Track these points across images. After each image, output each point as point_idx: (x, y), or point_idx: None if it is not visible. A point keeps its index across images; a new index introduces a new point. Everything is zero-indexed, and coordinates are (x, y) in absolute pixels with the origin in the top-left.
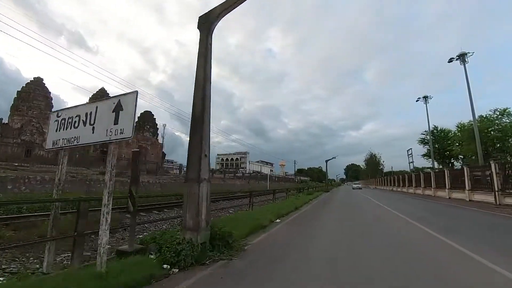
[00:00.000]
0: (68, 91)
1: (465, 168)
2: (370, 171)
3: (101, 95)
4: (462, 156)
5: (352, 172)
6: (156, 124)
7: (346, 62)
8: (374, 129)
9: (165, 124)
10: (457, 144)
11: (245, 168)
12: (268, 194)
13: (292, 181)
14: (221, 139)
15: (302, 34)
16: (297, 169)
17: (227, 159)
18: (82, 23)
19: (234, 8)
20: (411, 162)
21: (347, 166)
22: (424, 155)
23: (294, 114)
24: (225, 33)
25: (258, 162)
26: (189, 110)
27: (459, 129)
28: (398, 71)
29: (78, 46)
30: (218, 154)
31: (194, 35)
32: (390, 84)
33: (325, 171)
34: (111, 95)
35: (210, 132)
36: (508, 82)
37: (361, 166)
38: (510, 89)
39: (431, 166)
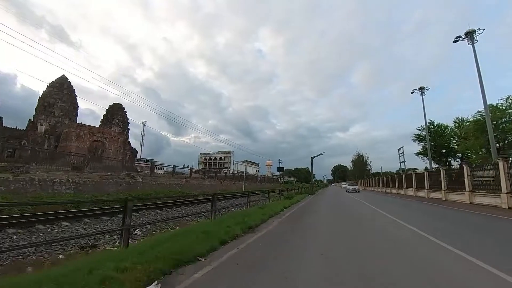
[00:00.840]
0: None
1: (465, 167)
2: (357, 172)
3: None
4: (460, 154)
5: (339, 173)
6: (127, 119)
7: (333, 65)
8: (361, 131)
9: (145, 122)
10: (454, 141)
11: (229, 168)
12: (244, 197)
13: (277, 181)
14: (209, 139)
15: (292, 35)
16: (284, 169)
17: (210, 159)
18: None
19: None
20: (402, 162)
21: (334, 167)
22: (418, 153)
23: (282, 115)
24: (214, 30)
25: (243, 162)
26: (176, 109)
27: (457, 125)
28: (383, 74)
29: (60, 40)
30: (200, 154)
31: (183, 33)
32: (375, 87)
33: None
34: (92, 92)
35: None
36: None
37: (348, 167)
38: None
39: (428, 165)
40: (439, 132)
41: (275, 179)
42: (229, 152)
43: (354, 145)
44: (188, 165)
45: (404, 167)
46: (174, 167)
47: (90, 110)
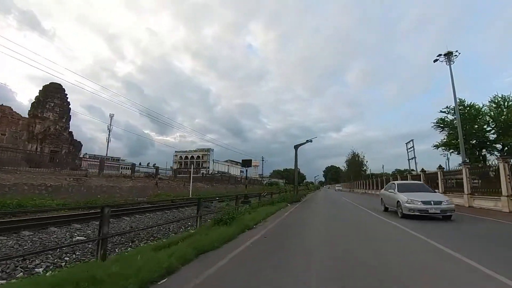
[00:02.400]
0: (21, 79)
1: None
2: (352, 173)
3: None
4: (500, 145)
5: (332, 174)
6: (68, 103)
7: (327, 63)
8: (354, 131)
9: (113, 114)
10: (489, 128)
11: (208, 167)
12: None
13: (258, 183)
14: (195, 139)
15: (284, 30)
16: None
17: (186, 157)
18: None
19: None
20: (412, 159)
21: (327, 168)
22: (439, 146)
23: (274, 114)
24: (201, 23)
25: (226, 161)
26: (161, 106)
27: (495, 106)
28: (378, 73)
29: (30, 28)
30: (176, 151)
31: (169, 25)
32: (370, 86)
33: (302, 173)
34: (67, 87)
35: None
36: (481, 86)
37: (342, 168)
38: (482, 95)
39: (462, 158)
40: (472, 115)
41: (258, 180)
42: (208, 150)
43: (347, 146)
44: (155, 164)
45: (415, 166)
46: (133, 165)
47: None
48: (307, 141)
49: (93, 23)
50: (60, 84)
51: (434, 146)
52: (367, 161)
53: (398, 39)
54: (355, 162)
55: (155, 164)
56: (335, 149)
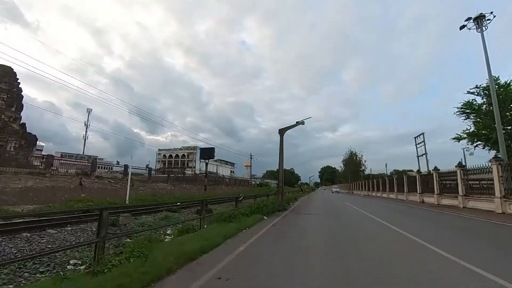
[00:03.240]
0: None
1: None
2: (349, 173)
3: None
4: None
5: (328, 175)
6: (19, 90)
7: (324, 61)
8: (351, 131)
9: (91, 109)
10: None
11: (194, 167)
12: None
13: (246, 184)
14: (187, 138)
15: (280, 26)
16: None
17: (170, 156)
18: None
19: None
20: (423, 156)
21: (322, 169)
22: (467, 136)
23: (268, 113)
24: (194, 17)
25: (216, 161)
26: (151, 104)
27: None
28: (376, 72)
29: (12, 20)
30: (159, 150)
31: (159, 18)
32: (367, 86)
33: (297, 173)
34: (51, 83)
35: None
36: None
37: (338, 168)
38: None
39: (502, 152)
40: (510, 97)
41: (245, 181)
42: (194, 148)
43: (344, 146)
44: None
45: (426, 164)
46: (49, 157)
47: (50, 102)
48: (297, 123)
49: (79, 15)
50: (11, 68)
51: (454, 138)
52: (365, 161)
53: (396, 38)
54: (353, 161)
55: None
56: (331, 149)
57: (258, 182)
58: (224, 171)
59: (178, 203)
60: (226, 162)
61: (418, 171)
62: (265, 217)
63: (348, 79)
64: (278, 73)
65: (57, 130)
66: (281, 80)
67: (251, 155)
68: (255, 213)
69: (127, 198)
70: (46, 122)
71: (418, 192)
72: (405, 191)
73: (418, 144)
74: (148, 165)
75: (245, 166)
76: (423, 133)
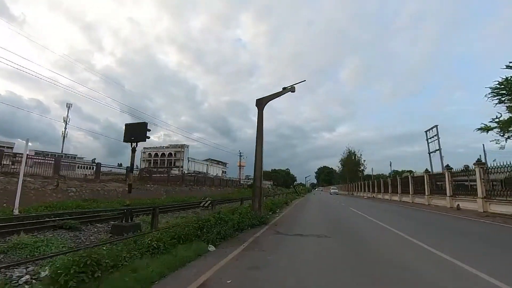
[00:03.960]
0: None
1: None
2: (347, 173)
3: None
4: None
5: (325, 176)
6: None
7: (320, 59)
8: (348, 131)
9: (70, 104)
10: None
11: (181, 166)
12: None
13: (233, 185)
14: (181, 138)
15: (276, 23)
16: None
17: (156, 155)
18: None
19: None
20: (435, 152)
21: (319, 169)
22: (500, 126)
23: (264, 112)
24: (188, 13)
25: (206, 160)
26: (144, 103)
27: None
28: (373, 71)
29: None
30: (144, 148)
31: (151, 13)
32: (364, 84)
33: (293, 174)
34: (38, 80)
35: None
36: (473, 87)
37: (337, 167)
38: (474, 95)
39: None
40: None
41: (233, 182)
42: (182, 146)
43: (341, 146)
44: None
45: (441, 162)
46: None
47: (37, 100)
48: (285, 89)
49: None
50: None
51: (480, 129)
52: (364, 160)
53: (393, 36)
54: (351, 161)
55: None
56: (328, 149)
57: (249, 183)
58: (215, 171)
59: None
60: (218, 162)
61: (426, 171)
62: (211, 248)
63: (344, 77)
64: (273, 71)
65: (45, 129)
66: (276, 78)
67: (240, 152)
68: (195, 238)
69: (17, 204)
70: (35, 121)
71: (448, 194)
72: (426, 193)
73: (430, 138)
74: (94, 159)
75: (238, 166)
76: (436, 126)
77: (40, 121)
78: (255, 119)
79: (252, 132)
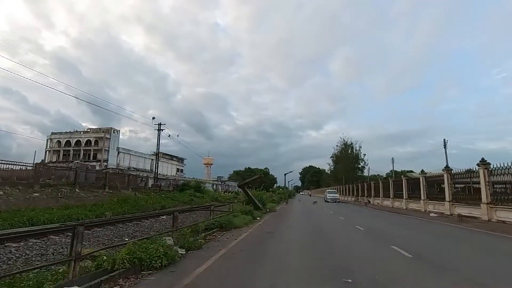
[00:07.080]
0: None
1: None
2: (342, 172)
3: None
4: None
5: (310, 177)
6: None
7: (309, 48)
8: (336, 130)
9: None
10: None
11: (105, 159)
12: None
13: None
14: (149, 135)
15: (261, 5)
16: (233, 171)
17: (68, 143)
18: None
19: None
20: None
21: (304, 169)
22: None
23: (245, 107)
24: None
25: (153, 154)
26: (104, 93)
27: None
28: (365, 63)
29: None
30: (52, 133)
31: None
32: (355, 79)
33: (272, 175)
34: None
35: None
36: (468, 85)
37: (328, 165)
38: (470, 92)
39: None
40: None
41: (177, 186)
42: (106, 131)
43: (328, 146)
44: None
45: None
46: None
47: None
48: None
49: None
50: None
51: None
52: (364, 155)
53: (389, 25)
54: (347, 156)
55: None
56: (314, 149)
57: (182, 182)
58: (168, 168)
59: None
60: (171, 157)
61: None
62: None
63: (335, 70)
64: (256, 60)
65: None
66: (259, 69)
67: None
68: None
69: None
70: None
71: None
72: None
73: None
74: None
75: (204, 164)
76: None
77: None
78: (234, 114)
79: (230, 129)
